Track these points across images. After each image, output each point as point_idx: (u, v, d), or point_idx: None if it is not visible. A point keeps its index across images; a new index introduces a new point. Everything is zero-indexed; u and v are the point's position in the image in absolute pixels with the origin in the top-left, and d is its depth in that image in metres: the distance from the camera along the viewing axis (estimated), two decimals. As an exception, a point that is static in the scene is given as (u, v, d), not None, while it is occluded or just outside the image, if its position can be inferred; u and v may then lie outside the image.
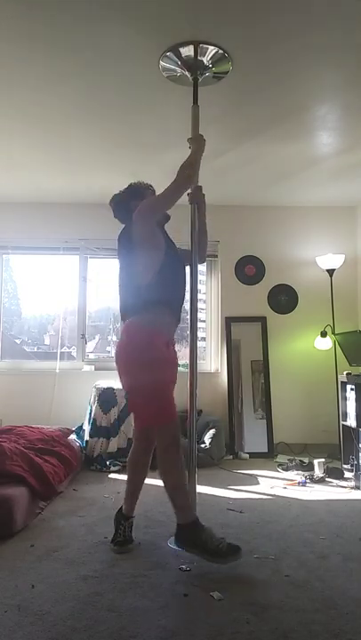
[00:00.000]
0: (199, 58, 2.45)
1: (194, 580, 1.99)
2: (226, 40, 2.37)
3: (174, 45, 2.39)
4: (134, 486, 2.41)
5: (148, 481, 2.44)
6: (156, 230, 2.31)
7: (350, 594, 1.90)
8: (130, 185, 2.51)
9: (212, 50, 2.41)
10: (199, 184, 2.53)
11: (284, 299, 4.80)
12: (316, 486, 3.46)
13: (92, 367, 4.69)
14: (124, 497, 2.42)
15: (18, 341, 5.29)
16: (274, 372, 4.67)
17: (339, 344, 4.22)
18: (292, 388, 4.65)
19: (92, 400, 4.12)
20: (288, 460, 4.06)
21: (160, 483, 2.16)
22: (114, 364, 2.28)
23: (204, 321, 4.96)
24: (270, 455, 4.40)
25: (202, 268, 4.81)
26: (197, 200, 2.49)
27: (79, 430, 4.14)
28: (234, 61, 2.50)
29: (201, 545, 2.09)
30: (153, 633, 1.62)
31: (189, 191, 2.48)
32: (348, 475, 3.63)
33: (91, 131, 3.32)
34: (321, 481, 3.56)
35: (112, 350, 5.16)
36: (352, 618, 1.73)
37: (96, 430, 3.99)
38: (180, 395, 2.33)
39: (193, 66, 2.50)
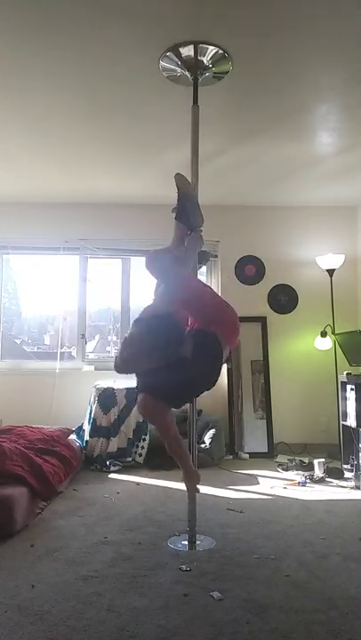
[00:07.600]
0: (199, 58, 2.45)
1: (194, 580, 1.99)
2: (226, 40, 2.36)
3: (174, 45, 2.39)
4: None
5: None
6: None
7: (350, 594, 1.90)
8: None
9: (212, 50, 2.41)
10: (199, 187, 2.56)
11: (284, 299, 4.80)
12: (316, 486, 3.45)
13: (92, 367, 4.69)
14: None
15: (18, 341, 5.28)
16: (274, 372, 4.66)
17: (339, 344, 4.22)
18: (292, 388, 4.65)
19: (92, 400, 4.11)
20: (288, 460, 4.06)
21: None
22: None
23: (204, 321, 4.95)
24: (270, 455, 4.39)
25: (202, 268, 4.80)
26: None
27: (79, 430, 4.14)
28: (234, 61, 2.50)
29: None
30: (153, 633, 1.62)
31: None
32: (348, 475, 3.63)
33: (90, 130, 3.32)
34: (321, 481, 3.55)
35: (112, 350, 5.16)
36: (352, 618, 1.73)
37: (96, 430, 3.99)
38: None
39: (193, 66, 2.49)
